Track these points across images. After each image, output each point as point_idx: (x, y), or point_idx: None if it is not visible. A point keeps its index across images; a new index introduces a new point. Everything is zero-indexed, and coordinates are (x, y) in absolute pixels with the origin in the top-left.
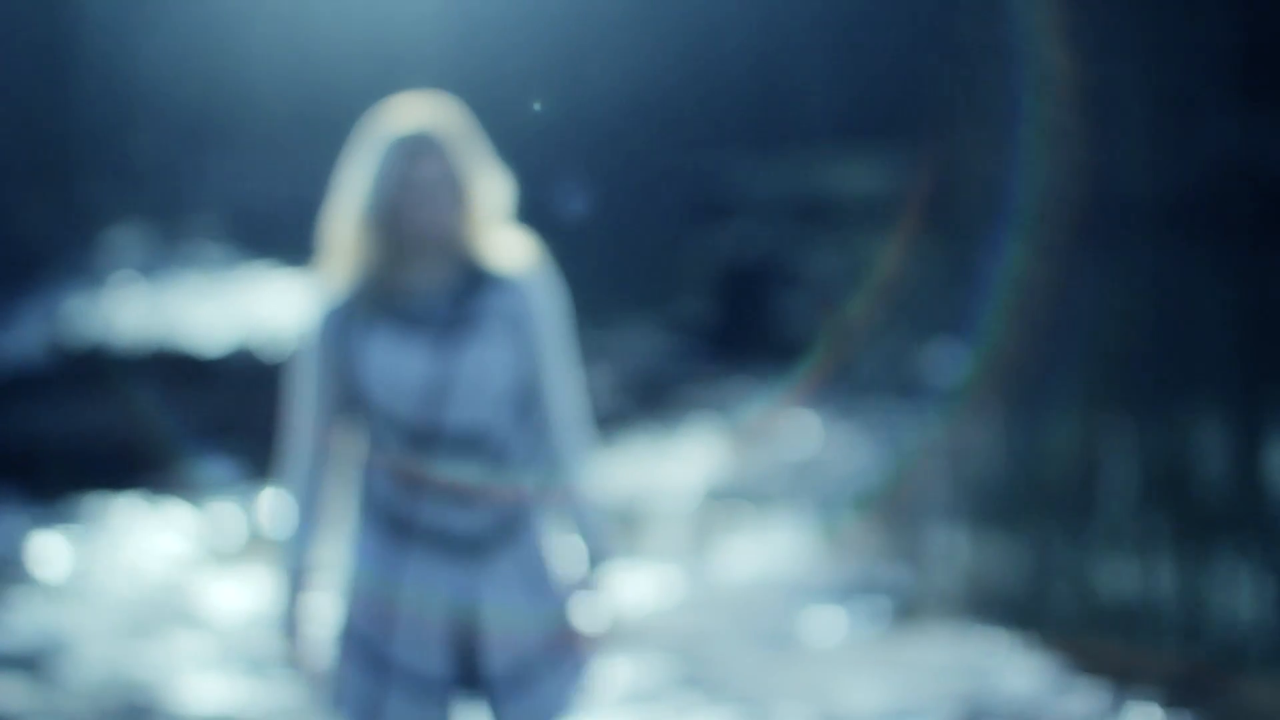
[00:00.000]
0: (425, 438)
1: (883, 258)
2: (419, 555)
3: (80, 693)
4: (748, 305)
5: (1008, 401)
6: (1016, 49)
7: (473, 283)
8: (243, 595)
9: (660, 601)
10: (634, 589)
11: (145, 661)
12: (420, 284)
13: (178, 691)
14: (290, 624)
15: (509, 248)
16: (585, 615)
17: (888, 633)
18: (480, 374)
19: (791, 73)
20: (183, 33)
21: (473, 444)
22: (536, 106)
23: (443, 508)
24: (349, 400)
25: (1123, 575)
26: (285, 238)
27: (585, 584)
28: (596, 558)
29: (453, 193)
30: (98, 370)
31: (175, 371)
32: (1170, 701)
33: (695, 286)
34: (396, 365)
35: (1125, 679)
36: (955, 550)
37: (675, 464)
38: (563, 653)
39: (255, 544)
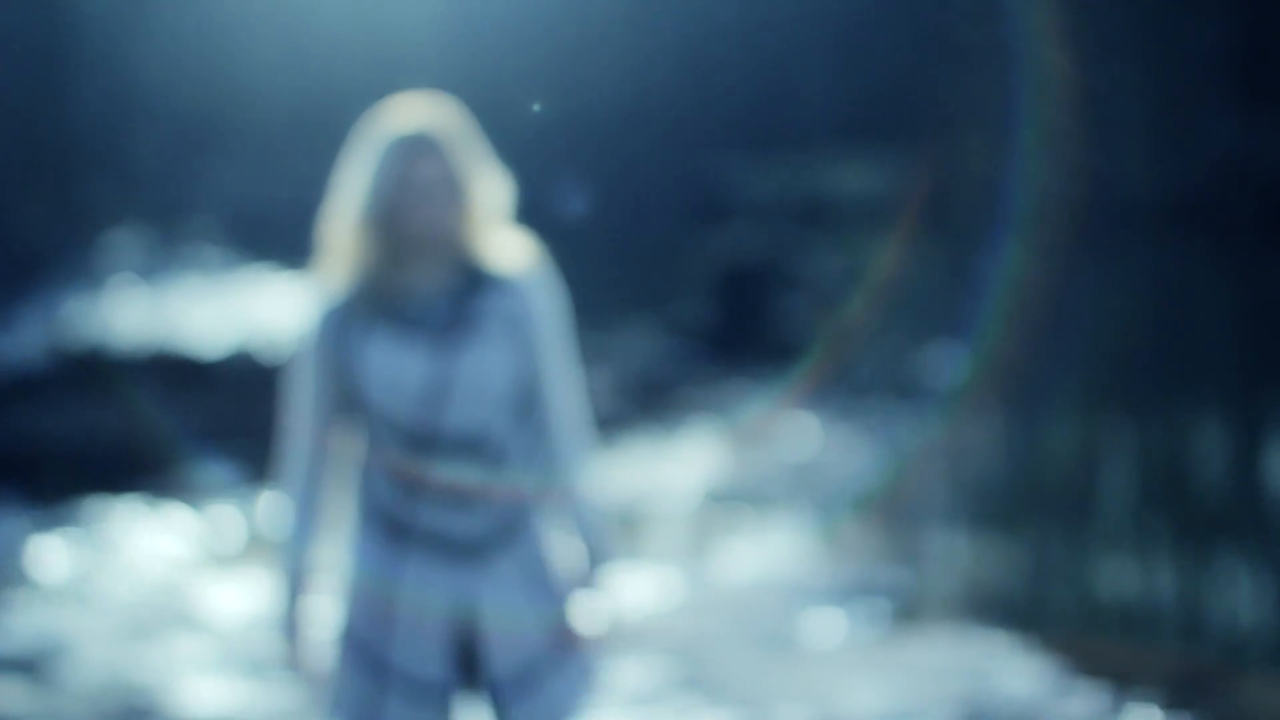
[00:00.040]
0: (424, 440)
1: (881, 259)
2: (417, 558)
3: (80, 695)
4: (747, 307)
5: (1007, 403)
6: (1015, 51)
7: (472, 284)
8: (242, 598)
9: (660, 603)
10: (634, 591)
11: (145, 664)
12: (419, 285)
13: (177, 694)
14: (290, 626)
15: (508, 248)
16: (586, 616)
17: (887, 634)
18: (479, 376)
19: (791, 75)
20: (182, 36)
21: (472, 446)
22: (536, 108)
23: (442, 510)
24: (348, 402)
25: (1122, 576)
26: (284, 240)
27: (586, 585)
28: (597, 559)
29: (452, 193)
30: (97, 373)
31: (175, 374)
32: (1170, 702)
33: (694, 288)
34: (395, 367)
35: (1125, 680)
36: (955, 552)
37: (675, 466)
38: (566, 654)
39: (255, 546)
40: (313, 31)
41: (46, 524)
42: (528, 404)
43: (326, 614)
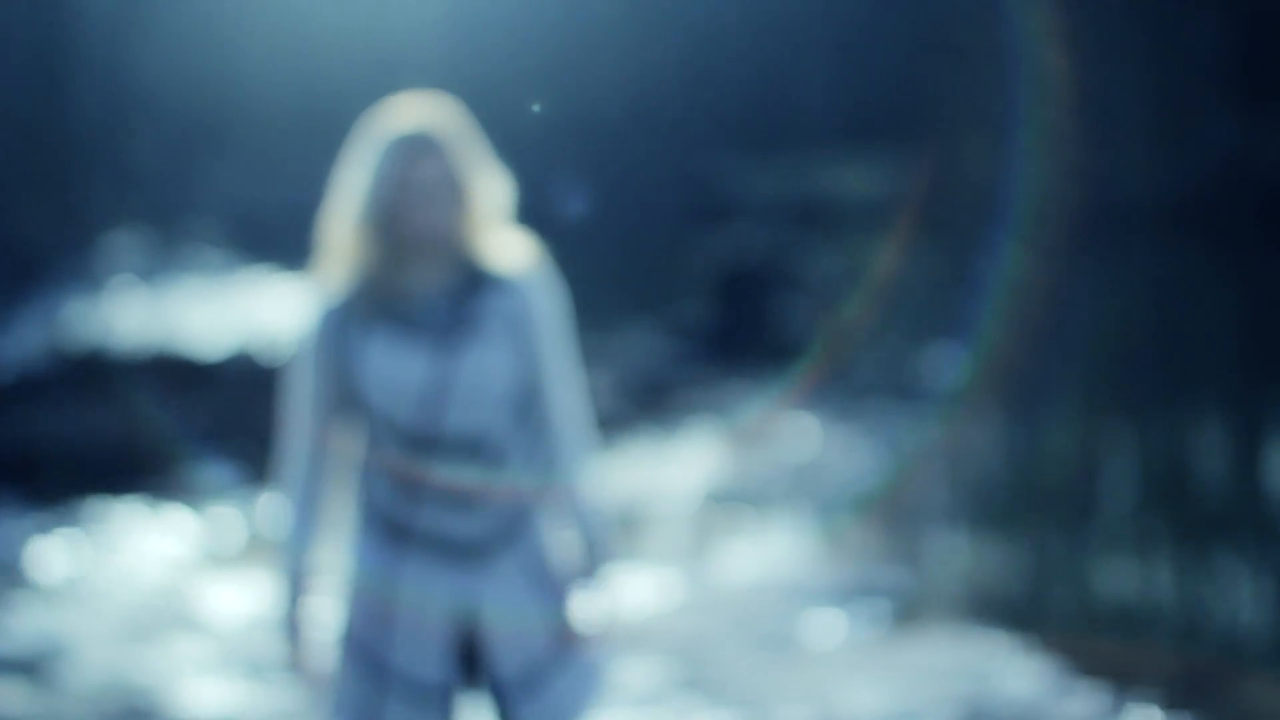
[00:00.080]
0: (424, 442)
1: (881, 260)
2: (417, 560)
3: (80, 697)
4: (747, 308)
5: (1006, 403)
6: (1015, 52)
7: (472, 284)
8: (242, 599)
9: (660, 604)
10: (634, 591)
11: (145, 665)
12: (419, 286)
13: (178, 695)
14: (291, 627)
15: (509, 248)
16: (587, 616)
17: (887, 635)
18: (480, 377)
19: (791, 76)
20: (181, 37)
21: (472, 448)
22: (536, 109)
23: (441, 511)
24: (347, 402)
25: (1122, 576)
26: (284, 242)
27: (586, 585)
28: (597, 559)
29: (452, 193)
30: (97, 374)
31: (175, 376)
32: (1170, 702)
33: (694, 289)
34: (395, 369)
35: (1125, 680)
36: (955, 552)
37: (675, 466)
38: (570, 654)
39: (255, 547)
40: (313, 32)
41: (47, 525)
42: (528, 405)
43: (327, 615)
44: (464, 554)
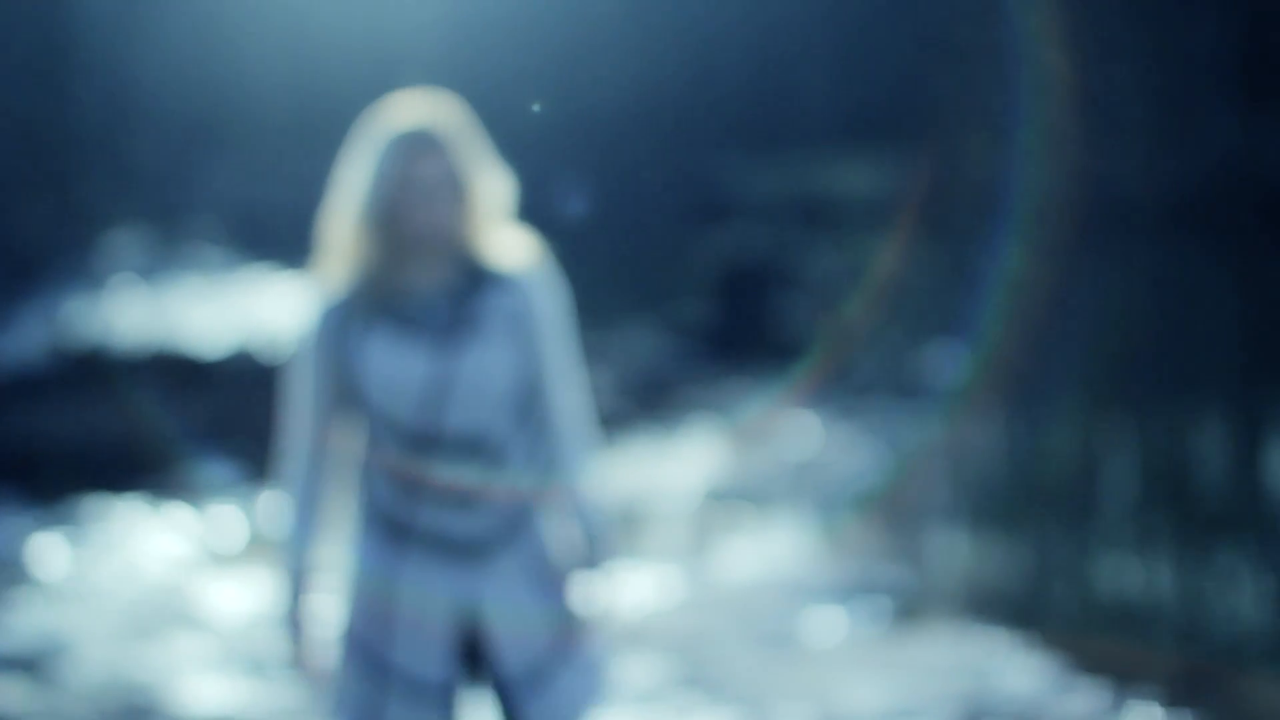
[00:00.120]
0: (424, 441)
1: (882, 259)
2: (417, 559)
3: (80, 694)
4: (747, 306)
5: (1007, 402)
6: (1015, 51)
7: (473, 282)
8: (243, 596)
9: (660, 602)
10: (635, 589)
11: (145, 663)
12: (420, 284)
13: (178, 693)
14: (293, 625)
15: (510, 246)
16: (589, 614)
17: (888, 633)
18: (481, 376)
19: (791, 75)
20: (181, 36)
21: (473, 447)
22: (536, 108)
23: (442, 510)
24: (347, 401)
25: (1123, 575)
26: (284, 240)
27: (588, 583)
28: (599, 557)
29: (453, 192)
30: (98, 372)
31: (175, 374)
32: (1170, 701)
33: (695, 287)
34: (395, 367)
35: (1125, 678)
36: (955, 550)
37: (675, 464)
38: (573, 651)
39: (255, 545)
40: (313, 31)
41: (47, 523)
42: (530, 403)
43: (328, 612)
44: (464, 553)
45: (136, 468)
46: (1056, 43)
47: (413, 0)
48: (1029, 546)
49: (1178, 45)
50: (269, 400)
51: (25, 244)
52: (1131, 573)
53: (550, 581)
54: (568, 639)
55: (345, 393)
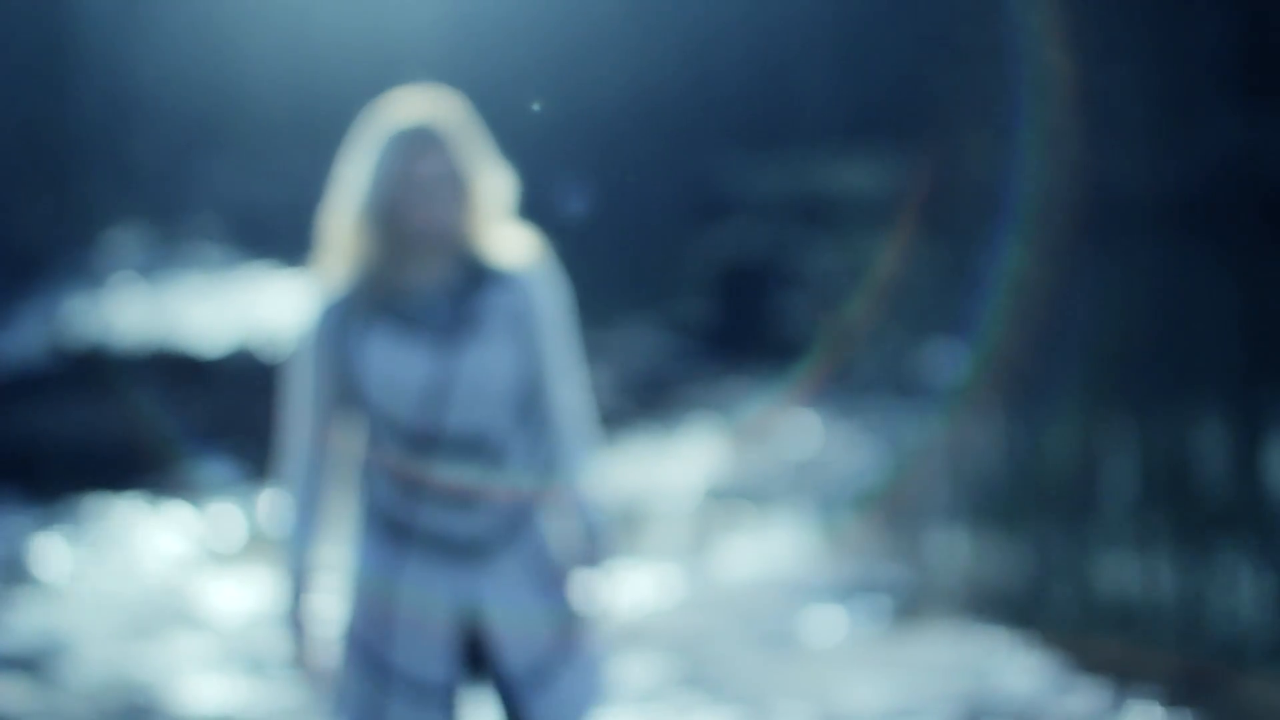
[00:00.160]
0: (425, 440)
1: (882, 258)
2: (417, 559)
3: (80, 693)
4: (747, 305)
5: (1008, 401)
6: (1016, 50)
7: (474, 280)
8: (243, 596)
9: (660, 601)
10: (634, 588)
11: (145, 662)
12: (420, 282)
13: (178, 692)
14: (295, 624)
15: (511, 244)
16: (589, 613)
17: (888, 632)
18: (481, 376)
19: (791, 73)
20: (181, 34)
21: (473, 447)
22: (536, 107)
23: (442, 510)
24: (347, 400)
25: (1123, 574)
26: (284, 238)
27: (588, 582)
28: (599, 556)
29: (454, 190)
30: (97, 371)
31: (175, 372)
32: (1170, 700)
33: (695, 286)
34: (396, 367)
35: (1125, 678)
36: (955, 549)
37: (675, 463)
38: (574, 650)
39: (255, 544)
40: (313, 30)
41: (47, 522)
42: (531, 402)
43: (330, 612)
44: (465, 553)
45: (136, 467)
46: (1057, 42)
47: (413, 0)
48: (1029, 546)
49: (1178, 45)
50: (269, 399)
51: (25, 243)
52: (1131, 572)
53: (551, 581)
54: (569, 638)
55: (345, 392)
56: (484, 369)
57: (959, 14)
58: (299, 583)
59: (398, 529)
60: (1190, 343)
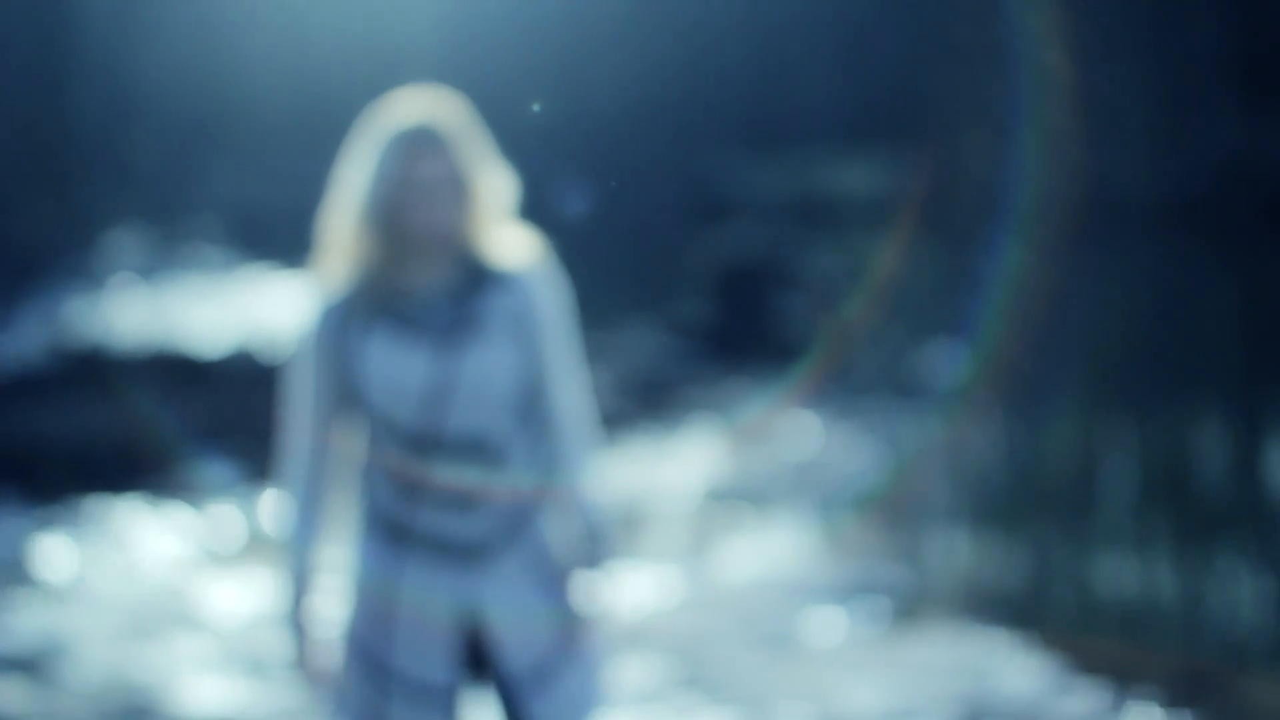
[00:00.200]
0: (425, 442)
1: (882, 259)
2: (418, 561)
3: (80, 694)
4: (747, 306)
5: (1007, 402)
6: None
7: (475, 281)
8: (243, 597)
9: (660, 602)
10: (634, 589)
11: (145, 663)
12: (421, 284)
13: (178, 693)
14: (296, 625)
15: (512, 245)
16: (590, 613)
17: (888, 633)
18: (482, 378)
19: (791, 74)
20: (181, 35)
21: (474, 449)
22: (535, 107)
23: (442, 512)
24: (347, 402)
25: (1122, 575)
26: (284, 239)
27: (589, 583)
28: (600, 557)
29: (455, 191)
30: (97, 372)
31: (175, 373)
32: (1170, 701)
33: (694, 287)
34: (396, 369)
35: (1125, 679)
36: (955, 550)
37: (675, 464)
38: (575, 651)
39: (255, 545)
40: (312, 31)
41: (47, 523)
42: (531, 403)
43: (331, 613)
44: (465, 554)
45: (136, 468)
46: (1056, 43)
47: (413, 0)
48: (1029, 547)
49: (1178, 45)
50: (269, 400)
51: (25, 243)
52: (1131, 573)
53: (552, 582)
54: (570, 639)
55: (345, 393)
56: (484, 370)
57: (958, 15)
58: (300, 584)
59: (398, 530)
60: (1190, 343)
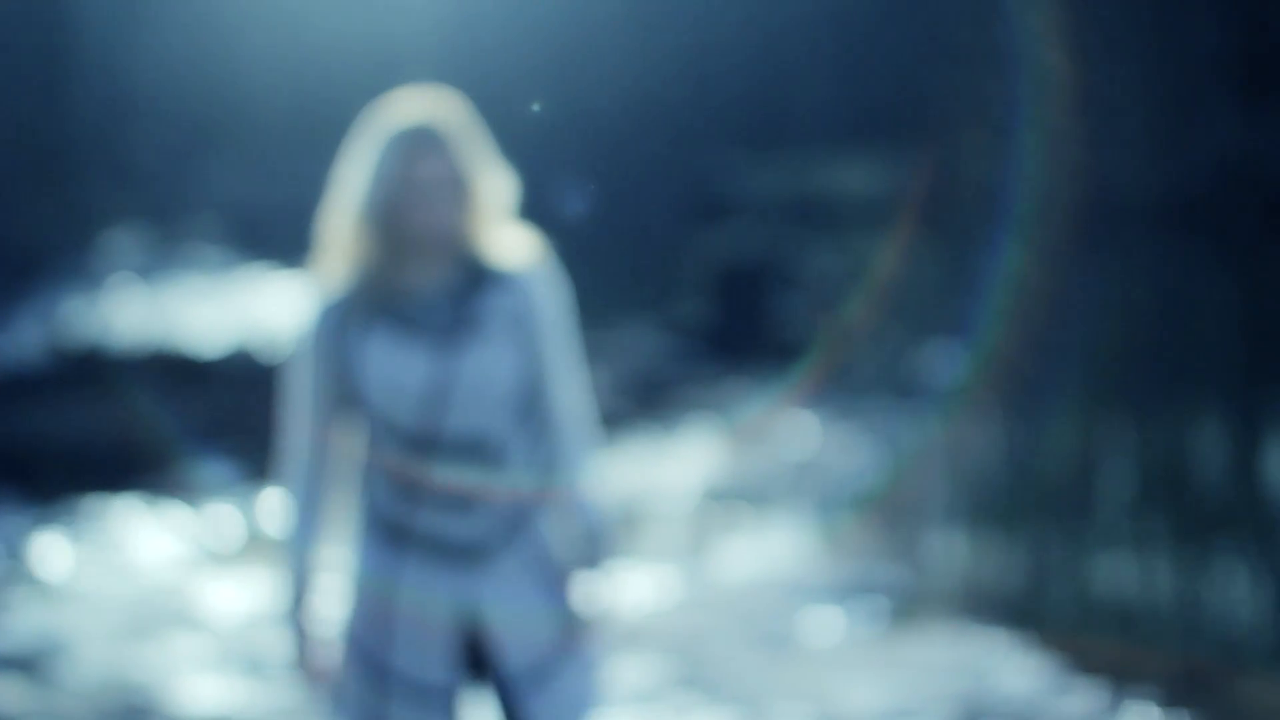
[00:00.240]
0: (424, 443)
1: (881, 259)
2: (416, 562)
3: (78, 694)
4: (746, 306)
5: (1006, 402)
6: (1015, 51)
7: (474, 282)
8: (241, 596)
9: (659, 602)
10: (633, 589)
11: (143, 662)
12: (420, 284)
13: (176, 692)
14: (295, 625)
15: (512, 245)
16: (589, 613)
17: (886, 633)
18: (481, 379)
19: (791, 74)
20: (180, 35)
21: (473, 449)
22: (535, 107)
23: (441, 513)
24: (346, 402)
25: (1121, 575)
26: (283, 239)
27: (589, 583)
28: (600, 557)
29: (455, 191)
30: (96, 371)
31: (173, 373)
32: (1168, 701)
33: (693, 287)
34: (395, 369)
35: (1123, 678)
36: (953, 550)
37: (674, 464)
38: (575, 651)
39: (253, 545)
40: (312, 31)
41: (45, 522)
42: (531, 403)
43: (331, 612)
44: (464, 555)
45: (134, 467)
46: (1056, 43)
47: (413, 1)
48: (1027, 546)
49: (1178, 45)
50: (267, 400)
51: (24, 243)
52: (1129, 573)
53: (551, 582)
54: (569, 639)
55: (345, 394)
56: (484, 371)
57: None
58: (300, 584)
59: (397, 531)
60: (1189, 343)
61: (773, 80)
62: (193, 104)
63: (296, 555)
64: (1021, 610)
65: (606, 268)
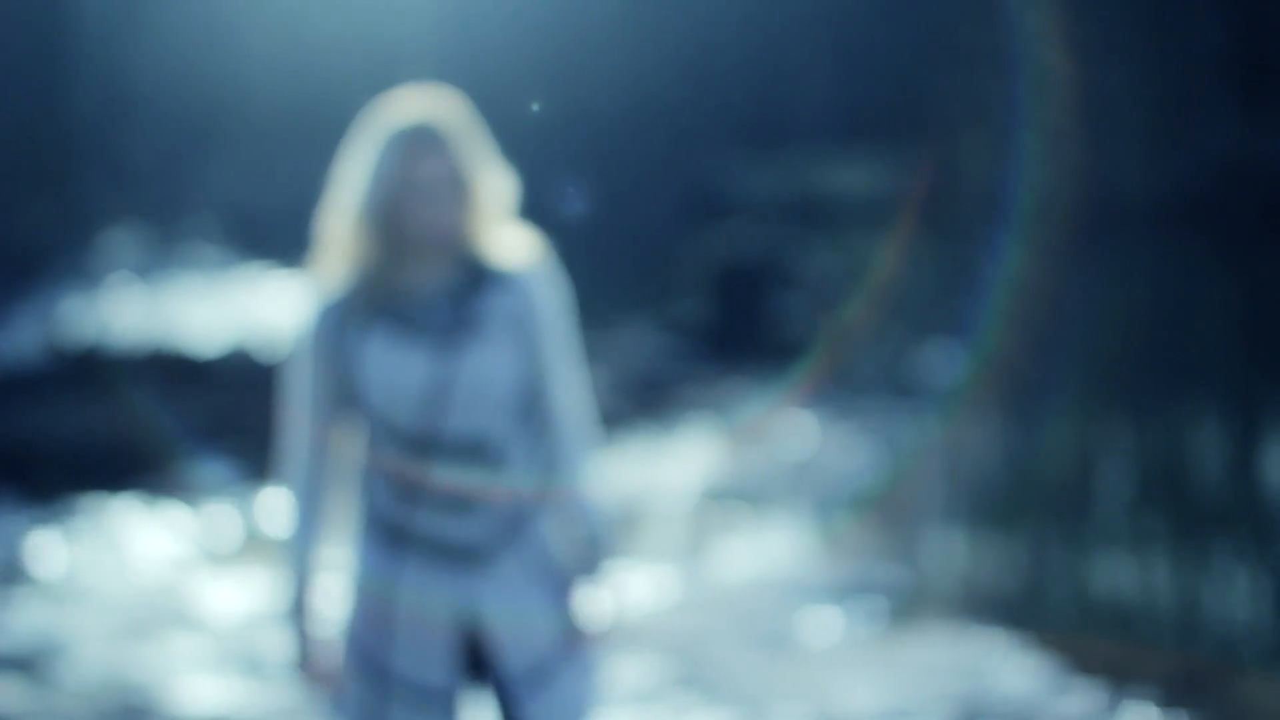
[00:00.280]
0: (424, 444)
1: (880, 259)
2: (416, 563)
3: (77, 693)
4: (745, 306)
5: (1005, 402)
6: (1015, 52)
7: (474, 282)
8: (239, 596)
9: (657, 602)
10: (632, 589)
11: (142, 662)
12: (420, 284)
13: (174, 692)
14: (295, 625)
15: (512, 245)
16: (589, 614)
17: (885, 633)
18: (481, 380)
19: (790, 74)
20: (179, 35)
21: (473, 450)
22: (535, 107)
23: (440, 515)
24: (346, 402)
25: (1119, 575)
26: (281, 239)
27: (589, 583)
28: (600, 558)
29: (455, 191)
30: (94, 371)
31: (172, 372)
32: (1167, 701)
33: (692, 287)
34: (395, 370)
35: (1122, 679)
36: (952, 550)
37: (672, 464)
38: (574, 651)
39: (252, 545)
40: (311, 31)
41: (44, 522)
42: (531, 404)
43: (331, 613)
44: (464, 556)
45: (133, 467)
46: (1056, 43)
47: (413, 0)
48: (1026, 546)
49: (1178, 45)
50: (266, 399)
51: (22, 243)
52: (1128, 573)
53: (551, 583)
54: (569, 640)
55: (344, 394)
56: (484, 371)
57: (958, 15)
58: (300, 584)
59: (397, 533)
60: (1189, 343)
61: (772, 80)
62: (191, 104)
63: (296, 555)
64: (1020, 610)
65: (606, 268)
